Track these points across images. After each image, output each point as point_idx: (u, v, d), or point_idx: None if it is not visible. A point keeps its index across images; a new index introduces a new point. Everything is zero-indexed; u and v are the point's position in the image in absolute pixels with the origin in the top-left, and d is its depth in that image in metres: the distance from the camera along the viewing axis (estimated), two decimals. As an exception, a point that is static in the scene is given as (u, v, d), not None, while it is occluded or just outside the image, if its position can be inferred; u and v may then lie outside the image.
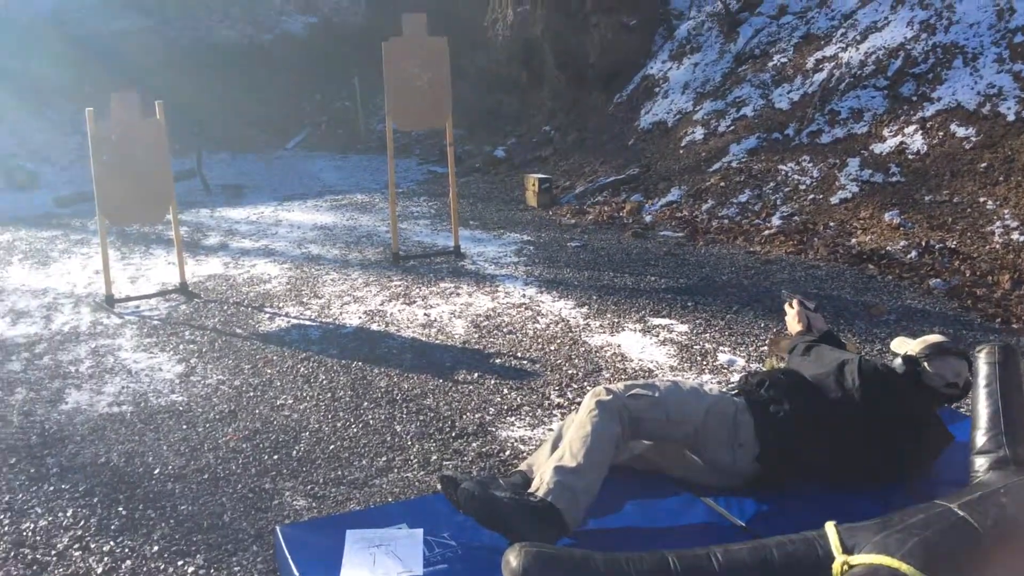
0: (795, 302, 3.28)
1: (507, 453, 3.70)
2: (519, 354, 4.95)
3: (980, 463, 2.29)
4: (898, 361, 2.80)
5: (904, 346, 2.86)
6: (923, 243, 6.55)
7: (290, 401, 4.34)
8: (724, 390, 2.83)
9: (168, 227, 8.08)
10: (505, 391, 4.39)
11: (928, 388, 2.74)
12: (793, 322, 3.21)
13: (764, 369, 3.17)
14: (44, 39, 15.69)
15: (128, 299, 6.33)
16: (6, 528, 3.20)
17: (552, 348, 5.03)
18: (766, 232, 7.52)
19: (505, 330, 5.40)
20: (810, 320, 3.19)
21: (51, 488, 3.51)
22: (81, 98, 10.16)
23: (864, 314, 5.49)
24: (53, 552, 3.03)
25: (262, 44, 17.67)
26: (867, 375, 2.68)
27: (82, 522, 3.22)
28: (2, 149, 14.10)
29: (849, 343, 4.53)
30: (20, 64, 15.24)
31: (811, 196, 7.81)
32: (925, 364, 2.74)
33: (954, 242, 6.47)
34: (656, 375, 4.57)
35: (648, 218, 8.68)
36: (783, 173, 8.28)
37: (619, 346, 5.04)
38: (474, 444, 3.80)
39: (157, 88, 8.99)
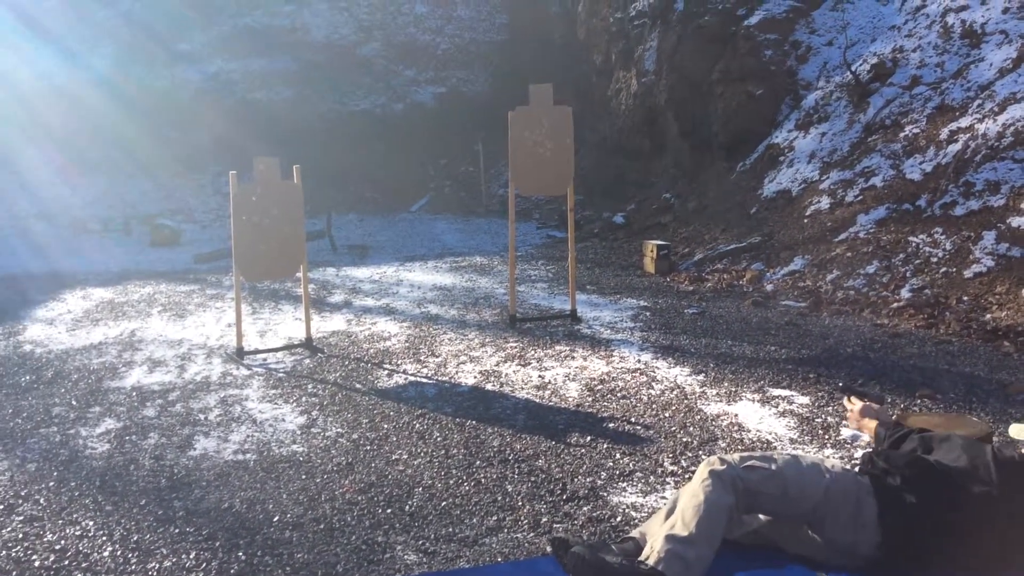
0: (852, 398, 3.12)
1: (618, 519, 3.64)
2: (633, 419, 4.90)
3: None
4: (1036, 447, 2.64)
5: None
6: (1068, 321, 6.18)
7: (405, 456, 4.41)
8: (847, 467, 2.72)
9: (297, 284, 8.43)
10: (618, 456, 4.34)
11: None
12: (864, 420, 3.03)
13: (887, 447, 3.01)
14: (199, 109, 16.84)
15: (257, 352, 6.60)
16: (133, 566, 3.34)
17: (667, 415, 4.95)
18: (894, 305, 7.24)
19: (619, 395, 5.36)
20: (878, 414, 3.02)
21: (176, 530, 3.65)
22: (225, 162, 10.83)
23: (999, 392, 5.19)
24: (176, 591, 3.15)
25: (394, 113, 18.44)
26: (1004, 465, 2.53)
27: (204, 565, 3.34)
28: (150, 208, 15.10)
29: (982, 422, 4.29)
30: (177, 132, 16.37)
31: (943, 269, 7.50)
32: (1068, 448, 2.57)
33: (1103, 321, 6.07)
34: (775, 447, 4.43)
35: (769, 287, 8.50)
36: (914, 245, 7.99)
37: (736, 416, 4.92)
38: (585, 508, 3.76)
39: (296, 153, 9.50)
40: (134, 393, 5.63)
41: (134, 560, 3.38)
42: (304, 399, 5.43)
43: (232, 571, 3.28)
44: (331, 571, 3.25)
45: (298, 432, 4.82)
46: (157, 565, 3.34)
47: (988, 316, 6.66)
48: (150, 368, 6.24)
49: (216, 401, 5.44)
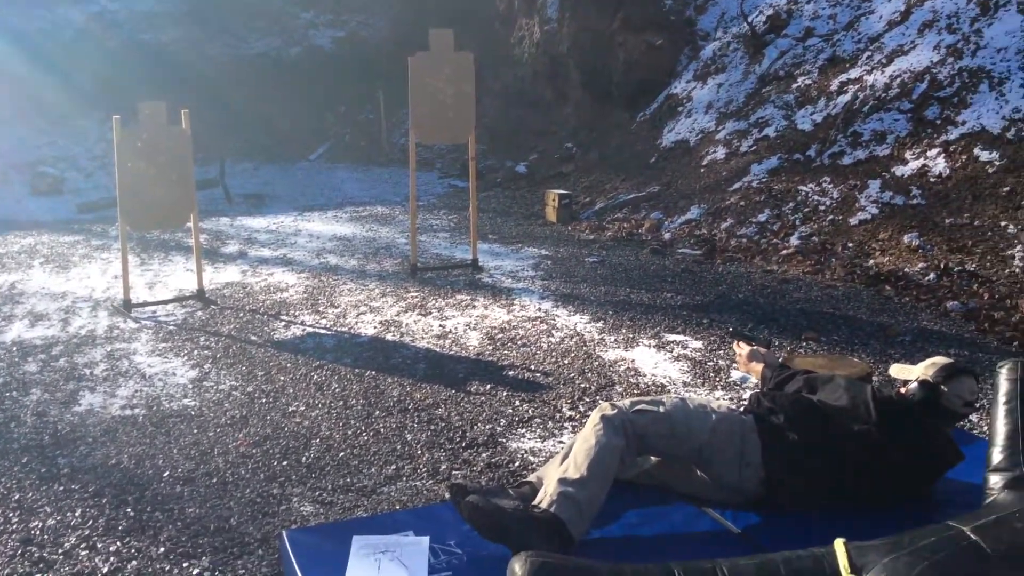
0: (740, 342, 3.22)
1: (517, 464, 3.69)
2: (533, 367, 4.94)
3: (995, 481, 2.25)
4: (913, 387, 2.74)
5: (906, 372, 2.81)
6: (942, 266, 6.49)
7: (302, 408, 4.35)
8: (733, 407, 2.79)
9: (188, 234, 8.15)
10: (517, 403, 4.38)
11: (945, 410, 2.70)
12: (752, 364, 3.13)
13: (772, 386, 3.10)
14: (82, 50, 15.94)
15: (145, 304, 6.38)
16: (15, 526, 3.21)
17: (566, 362, 5.01)
18: (784, 252, 7.48)
19: (519, 343, 5.39)
20: (765, 357, 3.12)
21: (61, 488, 3.53)
22: (111, 106, 10.29)
23: (879, 335, 5.44)
24: (60, 551, 3.05)
25: (290, 57, 17.84)
26: (884, 406, 2.63)
27: (90, 522, 3.24)
28: (30, 155, 14.31)
29: (863, 363, 4.48)
30: (59, 75, 15.49)
31: (830, 217, 7.76)
32: (942, 387, 2.69)
33: (973, 265, 6.40)
34: (668, 390, 4.54)
35: (667, 235, 8.66)
36: (803, 194, 8.24)
37: (633, 361, 5.02)
38: (484, 455, 3.79)
39: (187, 98, 9.10)
40: (14, 348, 5.38)
41: (15, 519, 3.26)
42: (196, 352, 5.28)
43: (120, 527, 3.19)
44: (224, 525, 3.19)
45: (189, 386, 4.69)
46: (40, 524, 3.22)
47: (871, 262, 6.95)
48: (32, 322, 5.96)
49: (102, 355, 5.24)
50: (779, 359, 3.22)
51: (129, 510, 3.32)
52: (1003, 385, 2.43)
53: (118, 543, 3.09)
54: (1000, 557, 1.87)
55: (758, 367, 3.10)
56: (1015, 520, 2.00)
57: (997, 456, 2.31)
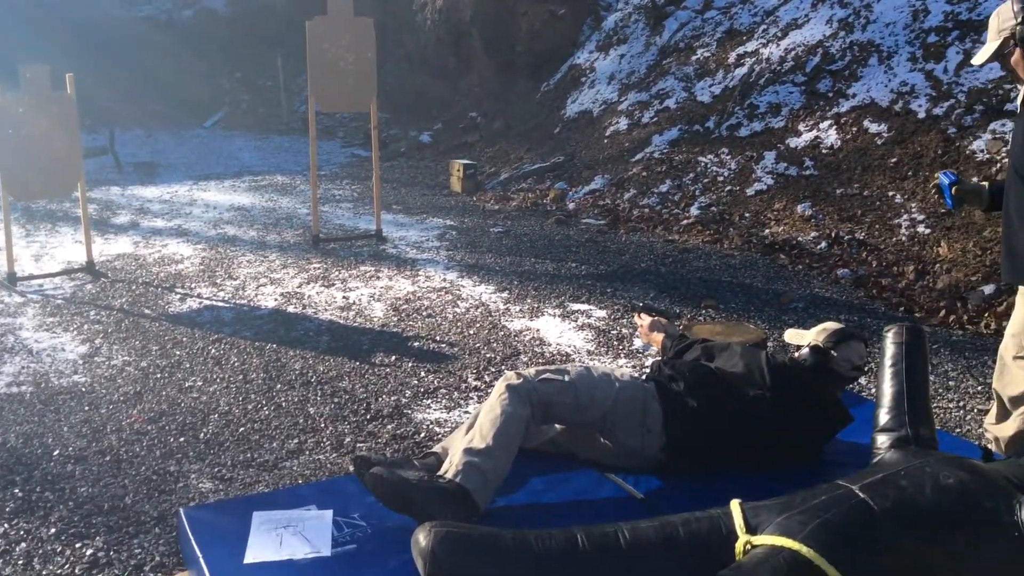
0: (642, 314, 3.30)
1: (422, 435, 3.67)
2: (438, 337, 4.92)
3: (882, 441, 2.35)
4: (805, 352, 2.84)
5: (799, 337, 2.90)
6: (833, 234, 6.73)
7: (199, 383, 4.23)
8: (636, 375, 2.84)
9: (76, 204, 7.80)
10: (422, 374, 4.36)
11: (835, 374, 2.80)
12: (653, 334, 3.21)
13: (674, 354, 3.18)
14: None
15: (31, 277, 6.09)
16: None
17: (471, 332, 5.01)
18: (684, 222, 7.63)
19: (425, 314, 5.36)
20: (665, 327, 3.21)
21: (-59, 471, 3.35)
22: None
23: (774, 301, 5.62)
24: (-59, 537, 2.90)
25: (182, 20, 17.18)
26: (776, 370, 2.72)
27: (-26, 506, 3.09)
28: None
29: (758, 329, 4.62)
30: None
31: (728, 187, 7.95)
32: (832, 352, 2.79)
33: (862, 234, 6.66)
34: (573, 359, 4.59)
35: (571, 206, 8.72)
36: (703, 165, 8.41)
37: (538, 331, 5.05)
38: (389, 426, 3.76)
39: (73, 62, 8.67)
40: None
41: None
42: (86, 327, 5.07)
43: (7, 509, 3.06)
44: (118, 503, 3.09)
45: (80, 362, 4.50)
46: (-83, 510, 3.05)
47: (767, 231, 7.15)
48: (-96, 298, 5.63)
49: (-15, 332, 4.99)
50: (679, 329, 3.29)
51: (17, 491, 3.18)
52: (889, 349, 2.53)
53: (5, 525, 2.95)
54: (886, 513, 1.96)
55: (658, 337, 3.17)
56: (900, 478, 2.09)
57: (884, 417, 2.41)
